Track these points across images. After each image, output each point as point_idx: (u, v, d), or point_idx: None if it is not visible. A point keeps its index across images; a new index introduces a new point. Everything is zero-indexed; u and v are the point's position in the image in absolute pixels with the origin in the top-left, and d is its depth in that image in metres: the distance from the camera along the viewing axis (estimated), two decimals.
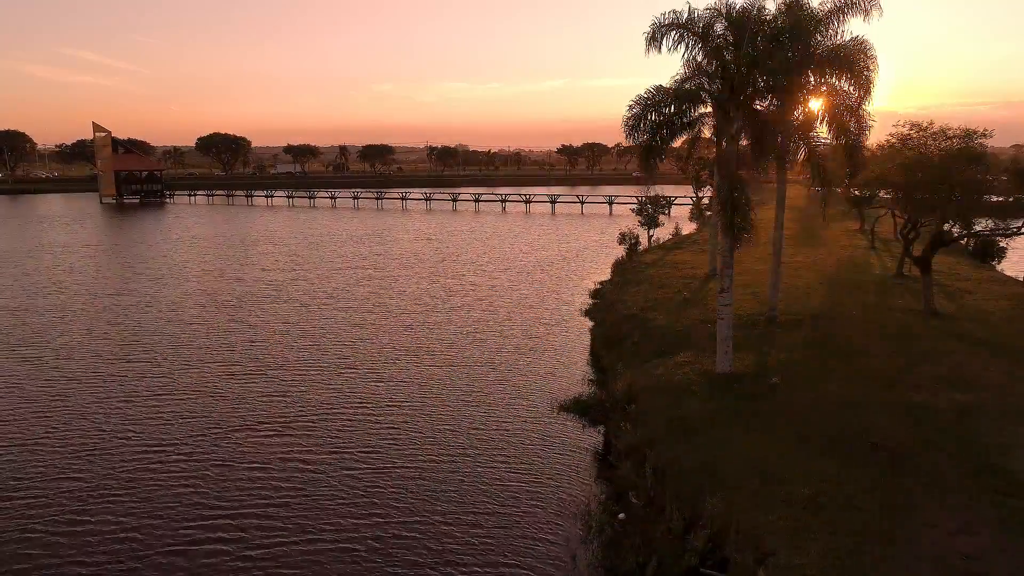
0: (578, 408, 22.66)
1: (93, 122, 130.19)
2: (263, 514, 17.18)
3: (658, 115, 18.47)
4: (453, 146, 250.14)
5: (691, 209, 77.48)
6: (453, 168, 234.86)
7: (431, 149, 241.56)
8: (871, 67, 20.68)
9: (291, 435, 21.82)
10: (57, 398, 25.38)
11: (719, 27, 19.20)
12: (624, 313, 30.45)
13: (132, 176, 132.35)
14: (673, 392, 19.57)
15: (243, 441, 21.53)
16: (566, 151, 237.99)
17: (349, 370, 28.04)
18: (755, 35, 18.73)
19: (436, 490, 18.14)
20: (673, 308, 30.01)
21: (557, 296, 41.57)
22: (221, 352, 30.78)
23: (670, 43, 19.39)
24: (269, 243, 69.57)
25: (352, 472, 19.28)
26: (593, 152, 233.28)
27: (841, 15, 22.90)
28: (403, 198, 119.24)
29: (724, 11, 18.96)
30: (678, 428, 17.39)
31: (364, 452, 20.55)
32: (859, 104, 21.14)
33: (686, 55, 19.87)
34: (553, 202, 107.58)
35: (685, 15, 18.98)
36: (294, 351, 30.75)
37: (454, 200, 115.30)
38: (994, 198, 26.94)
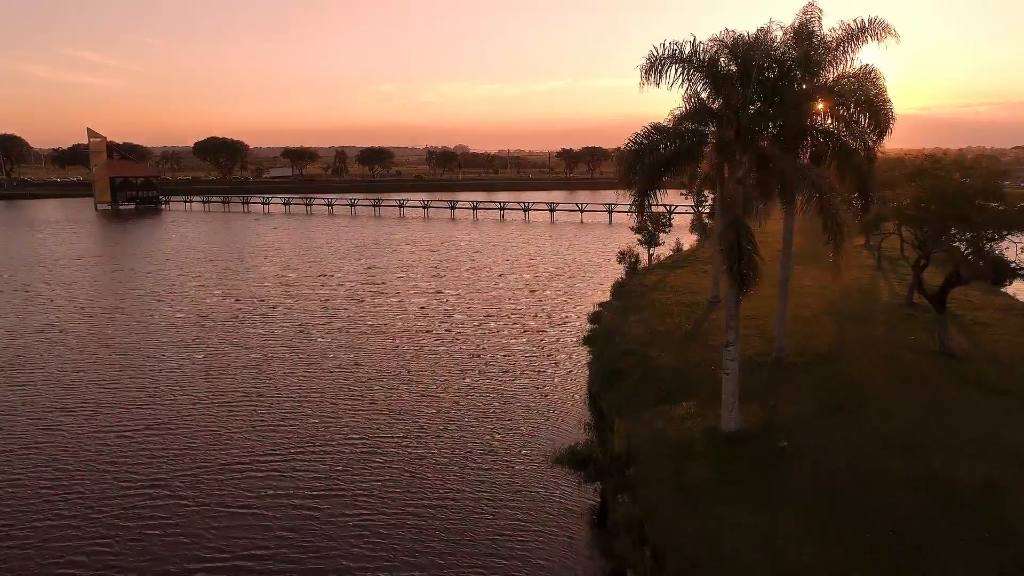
0: (574, 460, 21.29)
1: (88, 128, 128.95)
2: (257, 556, 16.86)
3: (655, 157, 17.11)
4: (453, 148, 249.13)
5: (692, 220, 76.10)
6: (453, 171, 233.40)
7: (430, 153, 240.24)
8: (887, 103, 19.29)
9: (285, 473, 21.36)
10: (47, 431, 24.69)
11: (724, 60, 17.85)
12: (623, 348, 29.05)
13: (127, 182, 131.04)
14: (675, 453, 18.20)
15: (237, 479, 20.94)
16: (566, 155, 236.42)
17: (344, 401, 27.41)
18: (763, 70, 17.36)
19: (423, 551, 17.01)
20: (675, 343, 28.64)
21: (556, 319, 40.45)
22: (216, 379, 30.16)
23: (669, 78, 18.03)
24: (265, 255, 68.31)
25: (342, 517, 18.68)
26: (593, 156, 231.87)
27: (854, 42, 21.58)
28: (400, 205, 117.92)
29: (730, 44, 17.59)
30: (680, 500, 16.04)
31: (355, 495, 19.90)
32: (875, 141, 19.78)
33: (687, 89, 18.56)
34: (552, 210, 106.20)
35: (687, 49, 17.62)
36: (291, 378, 30.19)
37: (452, 207, 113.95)
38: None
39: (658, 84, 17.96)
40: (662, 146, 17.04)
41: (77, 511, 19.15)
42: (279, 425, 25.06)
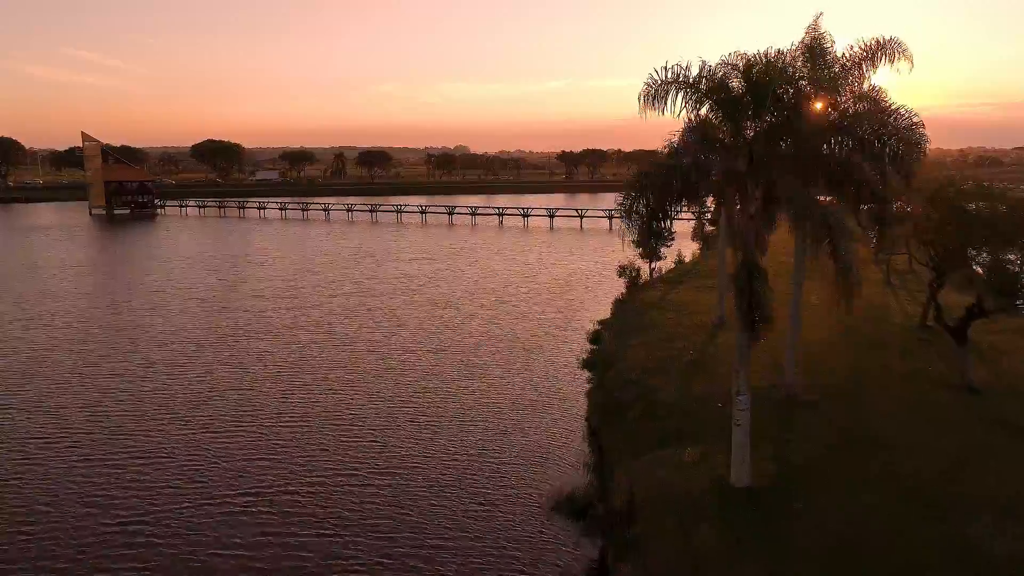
0: (571, 509, 19.93)
1: (82, 132, 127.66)
2: None
3: (659, 196, 15.64)
4: (453, 148, 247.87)
5: (693, 227, 74.72)
6: (452, 173, 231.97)
7: (429, 155, 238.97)
8: (918, 128, 17.73)
9: (274, 512, 20.29)
10: (25, 464, 23.47)
11: (735, 83, 16.41)
12: (624, 377, 27.67)
13: (122, 187, 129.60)
14: (682, 511, 16.79)
15: (225, 519, 19.84)
16: (566, 158, 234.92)
17: (337, 429, 26.24)
18: (778, 98, 15.91)
19: None
20: (678, 373, 27.23)
21: (555, 337, 39.18)
22: (205, 404, 28.99)
23: (674, 105, 16.59)
24: (260, 265, 66.85)
25: (331, 563, 17.72)
26: (593, 158, 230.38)
27: (869, 63, 20.18)
28: (398, 211, 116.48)
29: (742, 68, 16.13)
30: (689, 570, 14.64)
31: (345, 539, 18.81)
32: (906, 180, 18.28)
33: (691, 112, 17.16)
34: (552, 216, 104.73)
35: (694, 72, 16.19)
36: (283, 403, 29.08)
37: (450, 213, 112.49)
38: None
39: (661, 111, 16.55)
40: (666, 182, 15.57)
41: (53, 557, 18.08)
42: (269, 456, 24.04)
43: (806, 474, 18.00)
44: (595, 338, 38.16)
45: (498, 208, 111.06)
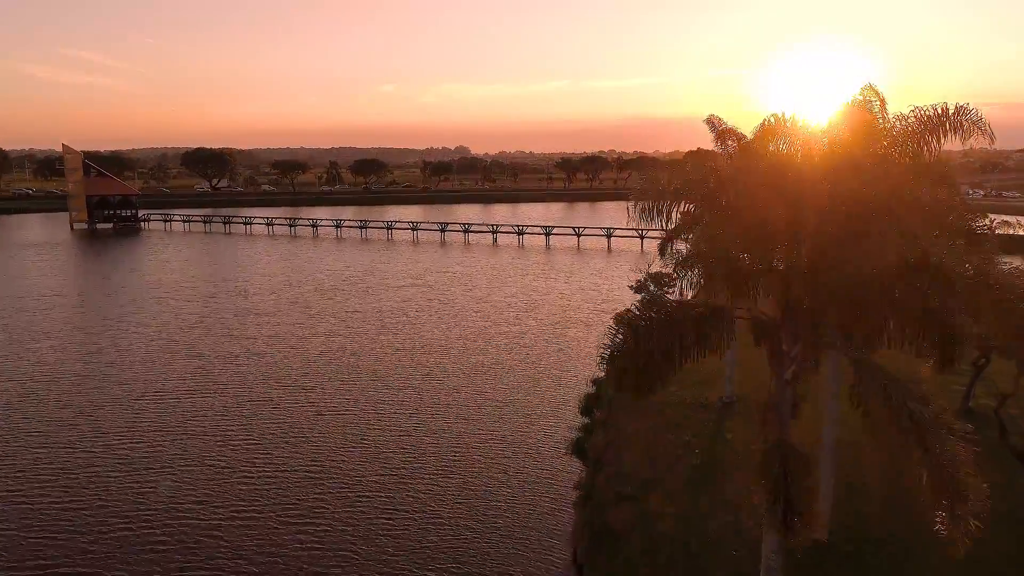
0: None
1: (63, 144, 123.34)
2: None
3: (659, 341, 11.29)
4: (453, 149, 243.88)
5: None
6: (450, 179, 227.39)
7: (425, 163, 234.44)
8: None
9: None
10: None
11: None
12: (617, 488, 23.31)
13: (105, 201, 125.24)
14: None
15: None
16: (565, 165, 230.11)
17: (294, 526, 23.10)
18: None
19: None
20: (681, 485, 22.92)
21: (546, 402, 35.46)
22: (151, 485, 25.89)
23: (675, 214, 12.28)
24: (241, 295, 62.82)
25: None
26: (593, 166, 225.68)
27: (929, 136, 15.82)
28: (388, 227, 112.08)
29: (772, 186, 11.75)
30: None
31: None
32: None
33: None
34: (548, 234, 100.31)
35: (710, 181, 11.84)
36: (243, 487, 25.97)
37: (443, 230, 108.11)
38: None
39: (662, 224, 12.22)
40: (669, 329, 11.21)
41: None
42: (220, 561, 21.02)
43: None
44: (587, 406, 34.06)
45: (492, 225, 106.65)
